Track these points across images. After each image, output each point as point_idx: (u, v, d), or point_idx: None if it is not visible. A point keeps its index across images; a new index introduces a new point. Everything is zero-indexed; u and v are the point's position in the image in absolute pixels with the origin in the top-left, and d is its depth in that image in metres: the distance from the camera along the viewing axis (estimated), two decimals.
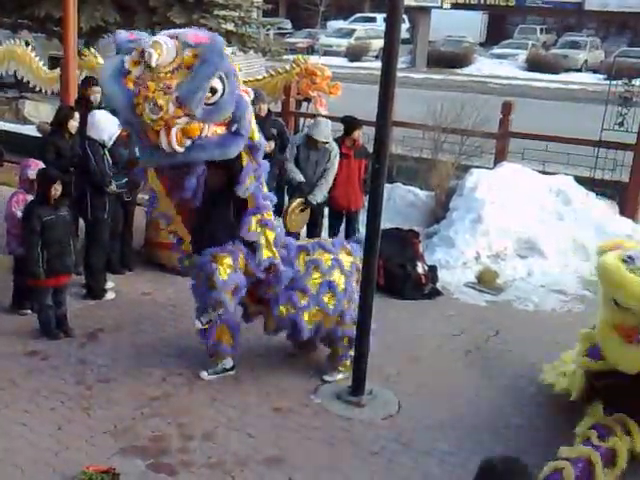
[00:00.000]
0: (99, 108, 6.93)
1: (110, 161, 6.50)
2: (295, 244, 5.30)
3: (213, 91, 4.22)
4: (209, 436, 4.66)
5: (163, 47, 4.16)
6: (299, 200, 7.06)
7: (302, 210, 7.11)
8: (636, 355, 4.27)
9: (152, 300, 6.73)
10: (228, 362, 5.19)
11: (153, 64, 4.13)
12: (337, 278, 5.20)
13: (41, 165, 6.09)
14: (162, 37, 4.28)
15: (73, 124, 6.68)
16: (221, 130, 4.36)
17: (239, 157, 4.64)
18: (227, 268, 4.84)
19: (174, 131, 4.19)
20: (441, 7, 28.95)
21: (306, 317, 5.14)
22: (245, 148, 4.63)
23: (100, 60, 13.39)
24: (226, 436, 4.66)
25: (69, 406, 4.92)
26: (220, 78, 4.23)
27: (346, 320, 5.24)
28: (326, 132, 7.12)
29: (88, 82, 7.52)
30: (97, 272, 6.66)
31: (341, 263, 5.25)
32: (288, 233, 7.22)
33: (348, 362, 5.33)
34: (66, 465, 4.27)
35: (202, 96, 4.15)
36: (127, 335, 5.97)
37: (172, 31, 4.49)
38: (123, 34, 4.47)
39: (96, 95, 7.18)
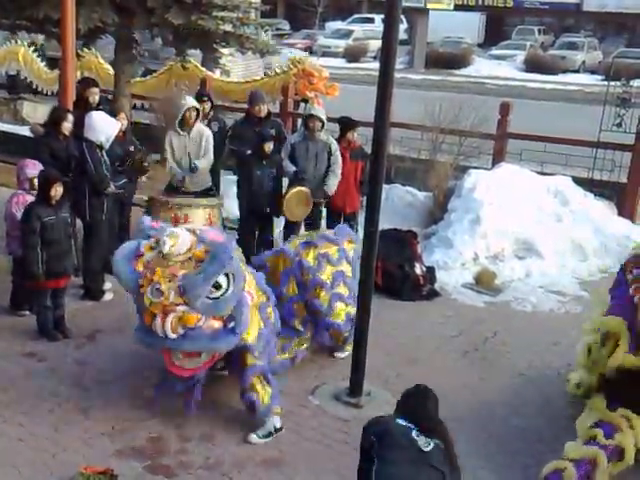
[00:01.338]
0: (97, 109, 6.91)
1: (108, 162, 6.49)
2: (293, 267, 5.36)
3: (217, 287, 4.29)
4: (207, 438, 4.66)
5: (179, 238, 4.36)
6: (298, 189, 7.03)
7: (302, 201, 7.08)
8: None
9: None
10: (277, 421, 4.81)
11: (165, 251, 4.33)
12: (345, 268, 5.41)
13: (39, 165, 6.08)
14: (181, 230, 4.47)
15: (66, 125, 6.62)
16: (218, 324, 4.38)
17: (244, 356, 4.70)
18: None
19: (170, 317, 4.27)
20: (425, 8, 28.86)
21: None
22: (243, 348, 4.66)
23: (100, 60, 13.47)
24: (224, 438, 4.66)
25: (66, 407, 4.92)
26: (226, 276, 4.32)
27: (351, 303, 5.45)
28: (322, 111, 7.20)
29: (87, 83, 7.51)
30: (95, 273, 6.65)
31: (346, 252, 5.49)
32: (288, 222, 7.29)
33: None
34: (63, 466, 4.27)
35: (204, 290, 4.24)
36: (125, 336, 5.93)
37: (192, 226, 4.76)
38: (147, 221, 4.68)
39: (94, 96, 7.17)
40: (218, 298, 4.29)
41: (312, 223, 7.37)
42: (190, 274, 4.26)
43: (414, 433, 3.32)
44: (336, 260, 5.46)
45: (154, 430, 4.70)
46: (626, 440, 4.29)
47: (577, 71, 29.69)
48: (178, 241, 4.36)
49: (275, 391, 4.78)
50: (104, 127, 6.42)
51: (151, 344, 4.54)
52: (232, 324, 4.39)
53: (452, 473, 3.36)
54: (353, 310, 5.33)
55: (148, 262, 4.37)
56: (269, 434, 4.68)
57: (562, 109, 17.88)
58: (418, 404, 3.50)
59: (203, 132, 7.26)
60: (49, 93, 14.20)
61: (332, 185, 7.15)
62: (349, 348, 5.53)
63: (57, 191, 5.71)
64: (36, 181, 5.92)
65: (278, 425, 4.73)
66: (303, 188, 7.04)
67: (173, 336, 4.30)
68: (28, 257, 5.70)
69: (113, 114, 6.90)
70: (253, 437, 4.65)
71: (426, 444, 3.30)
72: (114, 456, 4.41)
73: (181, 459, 4.43)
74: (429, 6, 28.95)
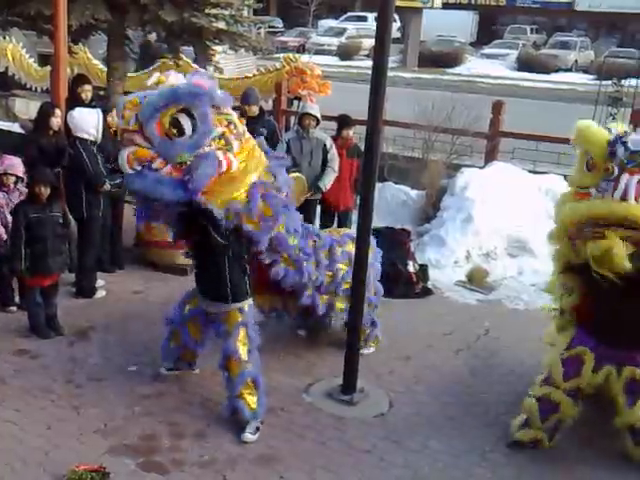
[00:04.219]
0: (90, 106, 6.88)
1: (103, 159, 6.48)
2: (325, 236, 5.44)
3: (180, 130, 4.16)
4: (200, 435, 4.65)
5: (169, 78, 4.28)
6: (293, 175, 7.00)
7: (299, 187, 7.07)
8: (582, 207, 4.23)
9: (143, 299, 6.72)
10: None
11: (148, 83, 4.29)
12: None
13: (11, 161, 6.06)
14: (176, 75, 4.38)
15: (54, 121, 6.58)
16: (176, 174, 4.22)
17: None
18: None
19: (128, 149, 4.23)
20: (432, 7, 28.95)
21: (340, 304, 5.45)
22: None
23: (89, 56, 13.41)
24: (217, 435, 4.66)
25: (59, 405, 4.91)
26: (192, 118, 4.16)
27: (373, 302, 5.66)
28: (316, 109, 7.20)
29: (79, 80, 7.47)
30: (88, 270, 6.64)
31: None
32: None
33: (377, 337, 5.87)
34: (56, 464, 4.26)
35: (152, 117, 4.12)
36: (118, 333, 5.95)
37: (199, 72, 4.74)
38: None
39: (87, 93, 7.12)
40: (175, 141, 4.14)
41: (305, 221, 7.36)
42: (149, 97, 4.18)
43: None
44: None
45: (147, 427, 4.70)
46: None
47: (569, 70, 29.80)
48: (166, 81, 4.27)
49: (262, 397, 4.73)
50: (88, 120, 6.41)
51: (124, 183, 4.61)
52: (187, 177, 4.18)
53: None
54: (370, 309, 5.58)
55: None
56: (257, 429, 4.69)
57: (554, 108, 17.93)
58: None
59: None
60: (37, 90, 14.12)
61: (328, 182, 7.16)
62: (373, 344, 5.83)
63: (42, 190, 5.70)
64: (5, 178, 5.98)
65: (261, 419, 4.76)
66: (298, 174, 7.03)
67: (129, 170, 4.22)
68: (12, 252, 5.73)
69: (106, 111, 6.89)
70: (248, 436, 4.62)
71: None
72: (107, 453, 4.40)
73: (174, 456, 4.43)
74: (412, 5, 28.89)
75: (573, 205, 4.29)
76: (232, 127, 4.39)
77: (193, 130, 4.16)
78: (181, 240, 5.01)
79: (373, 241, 5.75)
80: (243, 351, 4.67)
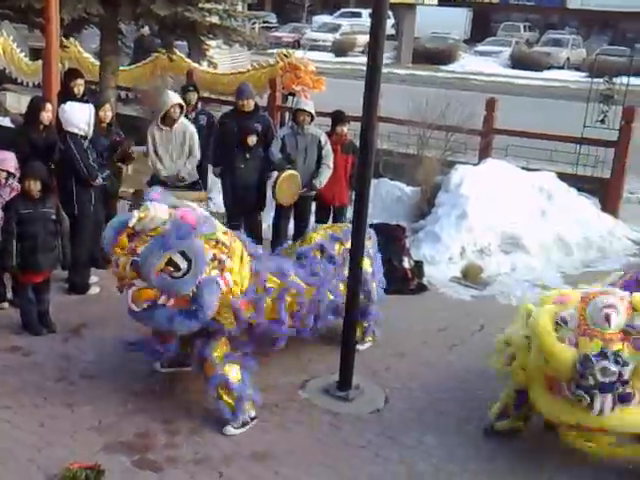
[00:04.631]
0: (82, 100, 6.84)
1: (94, 154, 6.43)
2: (314, 242, 5.55)
3: (176, 267, 4.32)
4: (195, 432, 4.63)
5: (149, 213, 4.44)
6: (289, 172, 7.00)
7: (294, 184, 7.06)
8: (558, 408, 4.27)
9: None
10: (251, 412, 4.79)
11: (130, 224, 4.44)
12: (365, 264, 5.36)
13: (3, 155, 6.00)
14: (157, 206, 4.49)
15: (45, 115, 6.48)
16: (184, 305, 4.42)
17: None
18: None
19: (130, 291, 4.45)
20: (423, 3, 28.90)
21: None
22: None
23: (80, 49, 13.34)
24: (212, 432, 4.63)
25: (52, 402, 4.87)
26: (183, 255, 4.33)
27: (372, 298, 5.73)
28: (311, 105, 7.18)
29: (72, 74, 7.43)
30: (81, 266, 6.59)
31: (367, 249, 5.46)
32: (277, 216, 7.32)
33: (374, 332, 5.91)
34: (50, 461, 4.22)
35: (151, 265, 4.31)
36: (111, 330, 5.91)
37: (192, 205, 4.76)
38: (153, 193, 4.73)
39: (79, 87, 7.09)
40: (177, 278, 4.33)
41: (301, 216, 7.36)
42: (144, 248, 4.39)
43: None
44: None
45: (142, 425, 4.67)
46: None
47: (562, 68, 29.90)
48: (147, 215, 4.41)
49: (244, 390, 4.71)
50: (79, 115, 6.36)
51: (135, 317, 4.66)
52: (194, 307, 4.40)
53: None
54: (372, 304, 5.74)
55: (133, 234, 4.48)
56: (244, 424, 4.69)
57: (547, 105, 17.98)
58: None
59: (187, 129, 7.18)
60: (29, 84, 14.02)
61: (324, 179, 7.14)
62: (369, 339, 5.88)
63: (32, 185, 5.65)
64: None
65: (253, 414, 4.74)
66: (294, 172, 7.02)
67: (136, 309, 4.46)
68: (2, 249, 5.68)
69: (98, 106, 6.84)
70: (229, 429, 4.66)
71: None
72: (101, 451, 4.37)
73: (169, 454, 4.40)
74: (406, 1, 28.88)
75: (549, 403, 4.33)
76: (220, 245, 4.58)
77: (189, 266, 4.34)
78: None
79: (374, 235, 5.84)
80: (219, 355, 4.71)
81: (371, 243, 5.78)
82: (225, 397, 4.67)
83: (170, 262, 4.33)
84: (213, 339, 4.73)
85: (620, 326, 4.10)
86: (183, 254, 4.33)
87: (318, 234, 5.69)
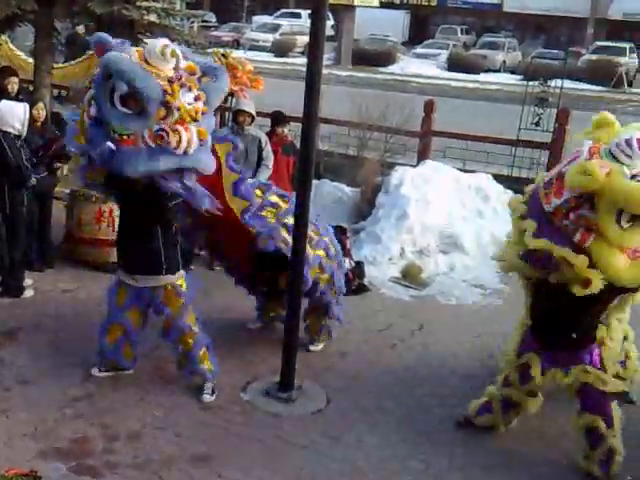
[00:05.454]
0: (16, 99, 6.67)
1: (28, 154, 6.28)
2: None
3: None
4: (135, 436, 4.57)
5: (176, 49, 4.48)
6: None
7: None
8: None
9: (73, 298, 6.55)
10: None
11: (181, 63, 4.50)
12: (329, 241, 5.58)
13: None
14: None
15: None
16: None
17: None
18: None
19: (193, 131, 4.38)
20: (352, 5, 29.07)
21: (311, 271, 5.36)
22: None
23: (11, 46, 12.92)
24: (152, 436, 4.58)
25: None
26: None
27: (335, 286, 5.68)
28: (251, 105, 7.14)
29: (5, 72, 7.23)
30: (15, 269, 6.42)
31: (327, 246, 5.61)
32: None
33: (330, 334, 5.91)
34: None
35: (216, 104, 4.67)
36: (47, 334, 5.78)
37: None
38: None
39: (13, 85, 6.91)
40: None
41: None
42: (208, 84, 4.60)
43: None
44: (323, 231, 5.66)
45: (79, 430, 4.58)
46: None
47: (498, 71, 30.48)
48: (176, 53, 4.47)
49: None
50: (13, 113, 6.20)
51: (169, 166, 4.54)
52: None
53: None
54: (338, 304, 5.81)
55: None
56: (213, 390, 4.97)
57: (484, 108, 18.36)
58: None
59: None
60: None
61: (263, 179, 7.12)
62: (323, 340, 5.89)
63: None
64: None
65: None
66: None
67: (191, 151, 4.43)
68: None
69: (31, 104, 6.68)
70: (207, 397, 4.95)
71: None
72: (38, 457, 4.27)
73: (108, 459, 4.34)
74: (355, 2, 29.15)
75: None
76: None
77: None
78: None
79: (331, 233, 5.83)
80: (194, 324, 4.96)
81: (330, 239, 5.76)
82: (205, 360, 4.95)
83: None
84: (185, 309, 4.89)
85: None
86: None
87: None
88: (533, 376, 4.56)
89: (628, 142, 3.97)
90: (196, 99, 4.47)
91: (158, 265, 4.85)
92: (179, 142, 4.32)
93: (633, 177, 3.95)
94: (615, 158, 4.01)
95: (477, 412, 4.85)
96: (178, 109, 4.34)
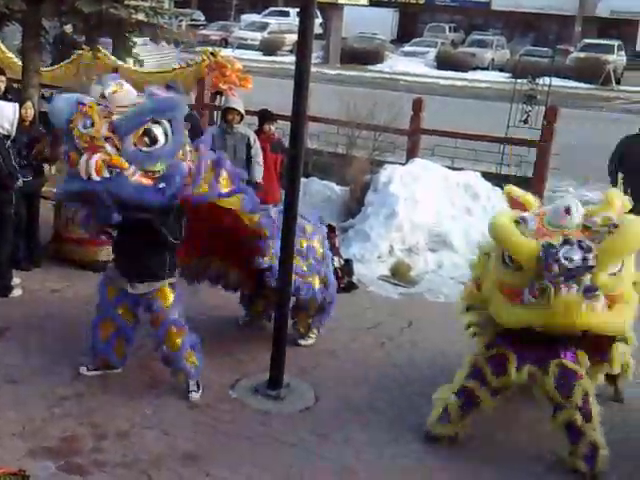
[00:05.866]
0: (5, 98, 6.63)
1: (15, 154, 6.25)
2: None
3: (153, 140, 4.33)
4: (123, 435, 4.57)
5: (123, 88, 4.42)
6: None
7: None
8: (520, 313, 4.30)
9: (61, 297, 6.53)
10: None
11: (107, 92, 4.36)
12: (317, 244, 5.63)
13: None
14: (128, 86, 4.53)
15: None
16: (146, 181, 4.36)
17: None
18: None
19: (96, 156, 4.23)
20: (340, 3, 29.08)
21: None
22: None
23: (2, 48, 12.85)
24: (141, 434, 4.58)
25: None
26: (164, 131, 4.36)
27: (329, 286, 5.75)
28: (240, 103, 7.17)
29: None
30: (3, 268, 6.39)
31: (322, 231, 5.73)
32: None
33: (319, 330, 5.95)
34: None
35: (132, 128, 4.28)
36: (35, 333, 5.76)
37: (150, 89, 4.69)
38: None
39: (1, 84, 6.87)
40: (150, 152, 4.31)
41: None
42: (124, 115, 4.32)
43: None
44: (309, 234, 5.66)
45: (68, 429, 4.58)
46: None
47: (486, 68, 30.59)
48: (122, 90, 4.40)
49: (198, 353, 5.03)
50: (2, 113, 6.16)
51: (73, 189, 4.49)
52: (162, 185, 4.36)
53: None
54: (331, 302, 5.83)
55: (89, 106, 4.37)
56: (198, 385, 5.01)
57: (472, 106, 18.43)
58: None
59: None
60: None
61: (258, 174, 7.16)
62: (313, 335, 5.90)
63: None
64: None
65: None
66: None
67: (97, 178, 4.23)
68: None
69: (20, 103, 6.65)
70: (194, 395, 4.97)
71: None
72: (26, 456, 4.27)
73: (97, 457, 4.33)
74: (343, 1, 29.17)
75: (510, 311, 4.35)
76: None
77: (166, 140, 4.36)
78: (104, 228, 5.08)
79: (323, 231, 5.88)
80: (183, 320, 4.98)
81: (322, 239, 5.82)
82: (190, 358, 4.93)
83: (147, 133, 4.30)
84: (175, 305, 4.92)
85: (579, 224, 4.17)
86: (164, 130, 4.33)
87: None
88: (508, 371, 4.51)
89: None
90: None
91: (161, 273, 4.91)
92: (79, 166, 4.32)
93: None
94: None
95: (436, 421, 4.71)
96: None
